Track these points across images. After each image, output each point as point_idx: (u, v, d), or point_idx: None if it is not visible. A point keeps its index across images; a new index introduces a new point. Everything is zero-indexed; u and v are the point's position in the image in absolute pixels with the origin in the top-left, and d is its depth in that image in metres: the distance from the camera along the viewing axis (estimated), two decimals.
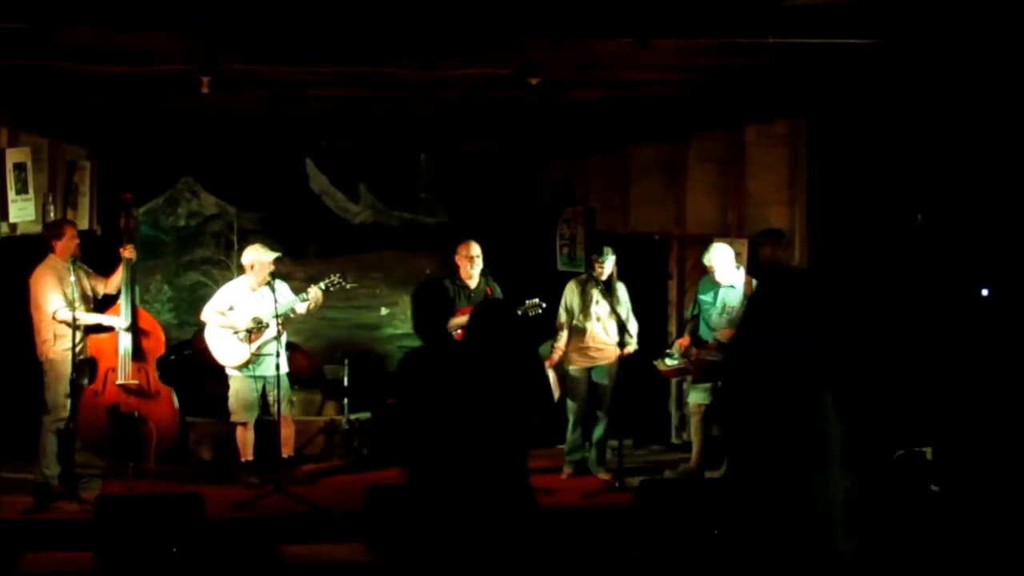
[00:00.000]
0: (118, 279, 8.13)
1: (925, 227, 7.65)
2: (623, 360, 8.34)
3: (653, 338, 9.06)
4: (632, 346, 8.38)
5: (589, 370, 8.58)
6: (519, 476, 5.25)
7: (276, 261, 8.37)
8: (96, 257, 8.41)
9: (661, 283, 10.00)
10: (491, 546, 5.08)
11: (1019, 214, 7.01)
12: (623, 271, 8.70)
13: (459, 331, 8.38)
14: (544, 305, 8.52)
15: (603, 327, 8.48)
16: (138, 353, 8.08)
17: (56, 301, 7.68)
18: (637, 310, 8.72)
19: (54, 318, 7.68)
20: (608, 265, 8.44)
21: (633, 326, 8.46)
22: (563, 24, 6.33)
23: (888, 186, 7.74)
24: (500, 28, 6.37)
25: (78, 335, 7.67)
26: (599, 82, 7.68)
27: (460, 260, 8.63)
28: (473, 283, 8.59)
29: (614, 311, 8.32)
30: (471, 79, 7.32)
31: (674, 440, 9.74)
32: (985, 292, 7.39)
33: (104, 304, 8.19)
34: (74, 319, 7.58)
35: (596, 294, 8.45)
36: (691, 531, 6.44)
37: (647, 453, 9.53)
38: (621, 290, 8.57)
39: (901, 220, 7.75)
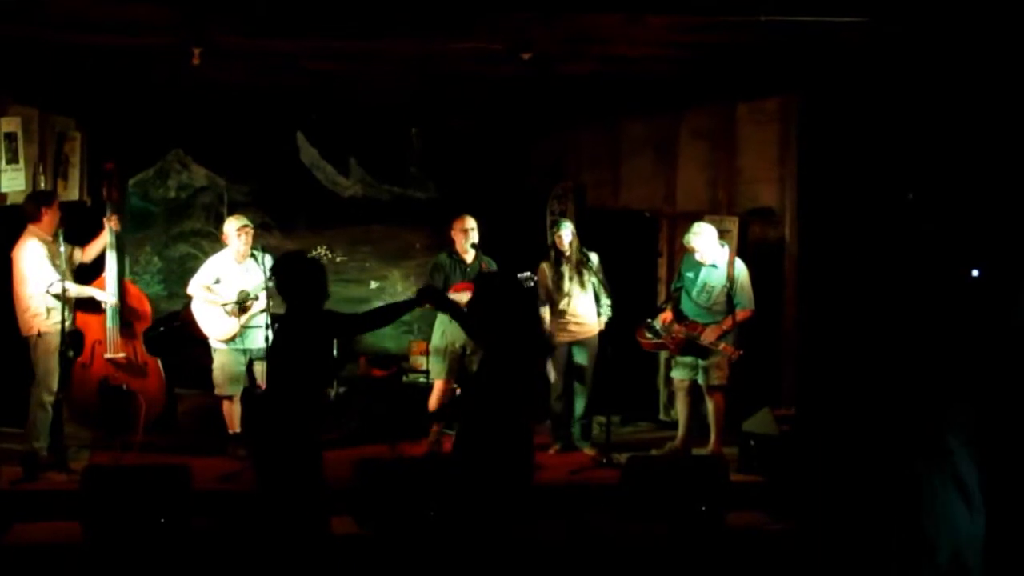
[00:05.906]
0: (96, 248, 8.09)
1: (916, 206, 7.66)
2: (610, 336, 8.39)
3: (642, 316, 9.06)
4: (606, 316, 8.48)
5: (570, 345, 8.62)
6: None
7: (262, 231, 8.34)
8: (86, 228, 8.36)
9: (651, 261, 10.00)
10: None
11: (1011, 194, 7.02)
12: (613, 248, 8.69)
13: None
14: (535, 279, 8.52)
15: (580, 301, 8.54)
16: (125, 326, 8.07)
17: (50, 274, 7.61)
18: (627, 287, 8.73)
19: (48, 292, 7.64)
20: (566, 235, 8.53)
21: (605, 297, 8.51)
22: None
23: (879, 164, 7.74)
24: (492, 2, 6.36)
25: (67, 309, 7.66)
26: (590, 57, 7.67)
27: (455, 234, 8.60)
28: (469, 257, 8.58)
29: (588, 283, 8.44)
30: (463, 53, 7.31)
31: (662, 417, 9.73)
32: (975, 273, 7.40)
33: (86, 274, 8.14)
34: (64, 291, 7.56)
35: (568, 270, 8.52)
36: (675, 507, 6.49)
37: (635, 430, 9.54)
38: (594, 260, 8.60)
39: (892, 199, 7.75)
